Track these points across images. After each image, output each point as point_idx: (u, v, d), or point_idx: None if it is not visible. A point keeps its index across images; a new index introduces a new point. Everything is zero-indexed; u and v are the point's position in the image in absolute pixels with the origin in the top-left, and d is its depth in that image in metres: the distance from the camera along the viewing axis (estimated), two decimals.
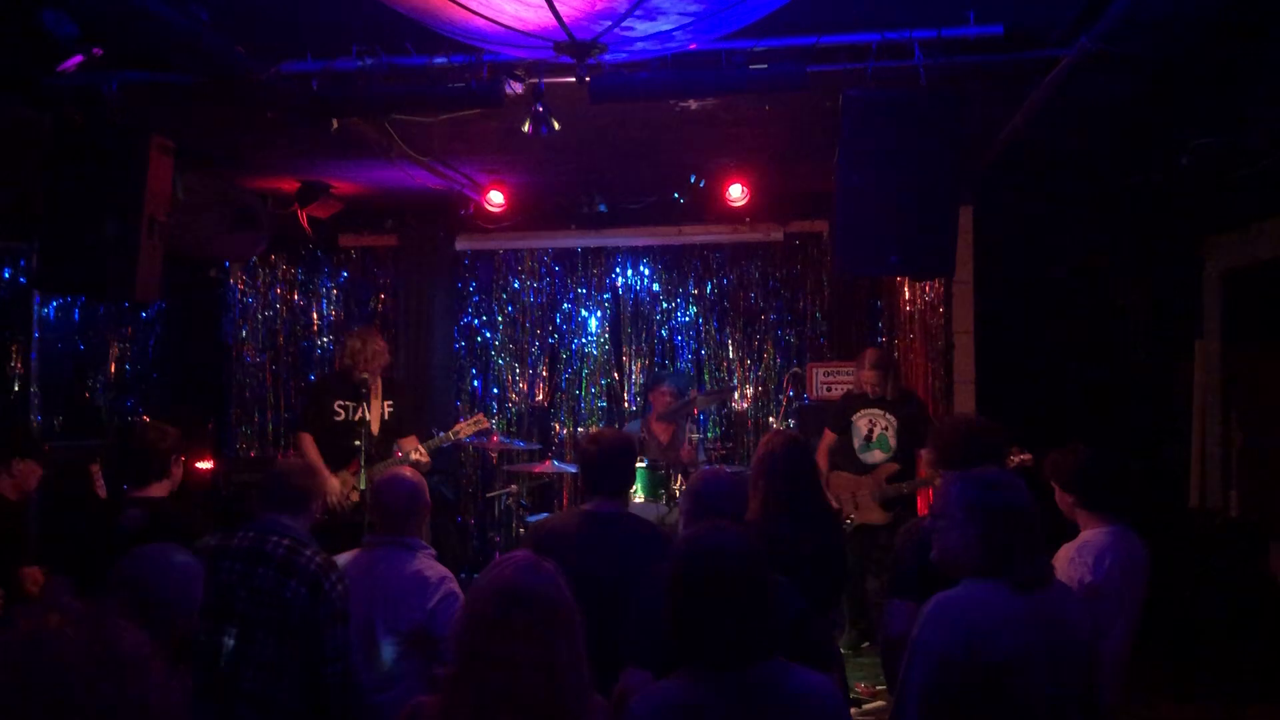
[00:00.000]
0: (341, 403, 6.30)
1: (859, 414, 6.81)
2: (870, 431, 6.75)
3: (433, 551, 3.87)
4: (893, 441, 6.67)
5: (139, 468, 4.28)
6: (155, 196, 4.72)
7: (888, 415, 6.72)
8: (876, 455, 6.71)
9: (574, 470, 7.05)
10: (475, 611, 2.33)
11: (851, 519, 6.63)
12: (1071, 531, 3.98)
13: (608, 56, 3.37)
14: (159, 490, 4.29)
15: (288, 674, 3.40)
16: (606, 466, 3.96)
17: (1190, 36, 4.47)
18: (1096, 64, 4.38)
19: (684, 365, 9.03)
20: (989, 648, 2.67)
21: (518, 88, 4.62)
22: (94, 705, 0.87)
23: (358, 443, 5.86)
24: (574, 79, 4.43)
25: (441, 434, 6.57)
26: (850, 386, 7.17)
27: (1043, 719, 2.70)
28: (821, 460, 6.83)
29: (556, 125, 4.51)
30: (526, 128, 4.54)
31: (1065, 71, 4.55)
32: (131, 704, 0.89)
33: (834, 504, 6.62)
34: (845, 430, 6.84)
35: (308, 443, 6.20)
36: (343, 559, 3.80)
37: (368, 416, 6.24)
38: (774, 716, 2.39)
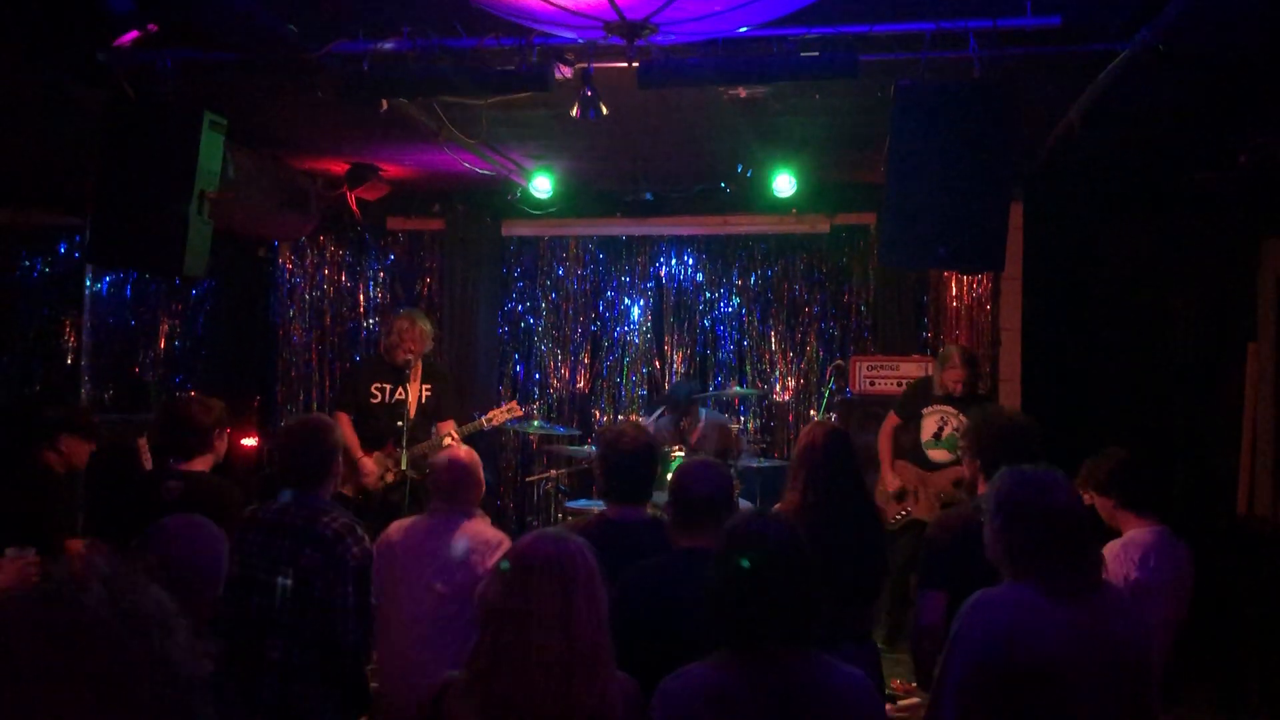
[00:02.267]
0: (378, 385, 6.34)
1: (930, 409, 6.59)
2: (940, 430, 6.54)
3: (488, 517, 4.15)
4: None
5: (182, 441, 4.35)
6: (206, 174, 4.77)
7: (960, 415, 6.45)
8: (943, 455, 6.49)
9: None
10: (497, 573, 2.42)
11: (908, 511, 6.53)
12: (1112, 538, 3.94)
13: (658, 38, 3.36)
14: (201, 464, 4.36)
15: (309, 641, 3.49)
16: (626, 473, 3.75)
17: (1254, 32, 4.38)
18: (1156, 59, 4.29)
19: (725, 356, 9.01)
20: (1027, 652, 2.61)
21: (567, 72, 4.62)
22: (118, 661, 0.87)
23: (400, 423, 5.91)
24: (623, 64, 4.44)
25: (477, 417, 6.62)
26: (931, 380, 6.96)
27: None
28: (884, 441, 6.70)
29: (604, 110, 4.50)
30: (575, 111, 4.54)
31: (1123, 66, 4.47)
32: (156, 661, 0.89)
33: (895, 486, 6.56)
34: (913, 421, 6.64)
35: (344, 423, 6.26)
36: (403, 524, 4.12)
37: (406, 398, 6.27)
38: (806, 706, 2.38)
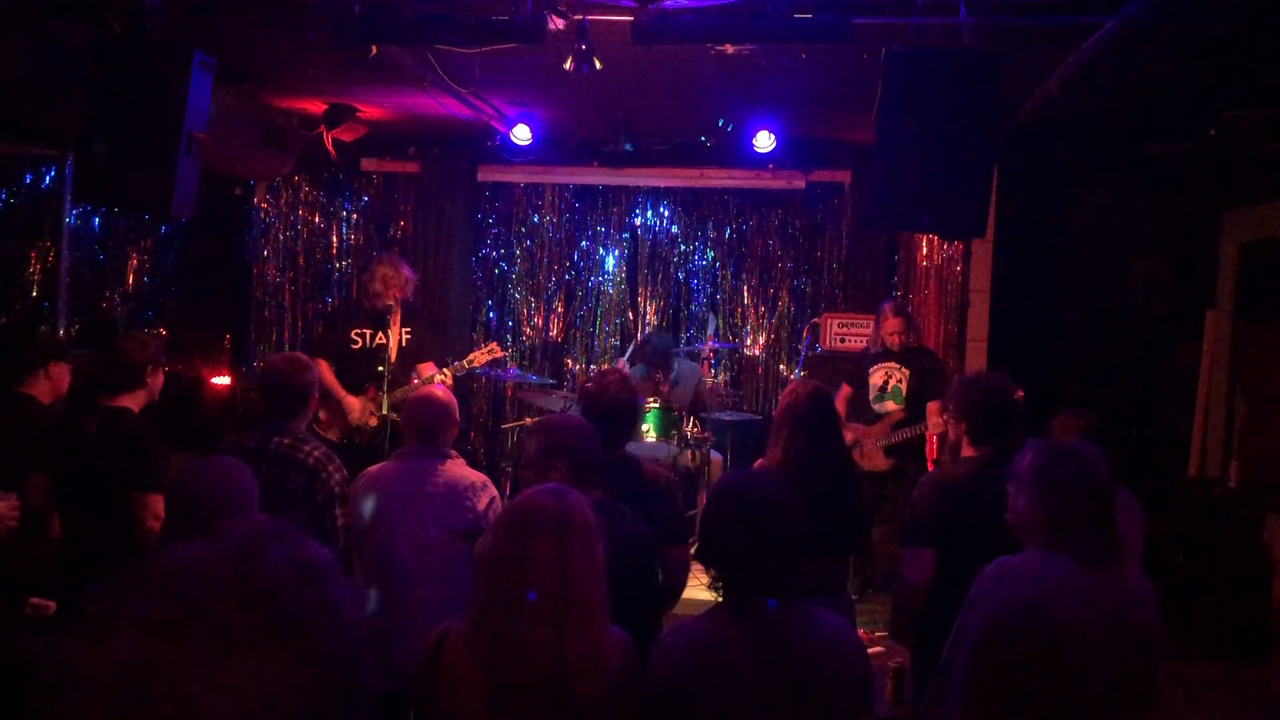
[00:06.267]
0: (358, 330, 6.34)
1: (875, 367, 6.80)
2: (885, 383, 6.75)
3: (462, 459, 4.09)
4: (905, 393, 6.68)
5: (110, 377, 4.26)
6: (195, 114, 4.74)
7: (902, 368, 6.71)
8: (889, 405, 6.72)
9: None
10: (497, 524, 2.51)
11: (858, 465, 6.69)
12: None
13: (669, 2, 3.39)
14: (130, 401, 4.21)
15: None
16: (607, 418, 3.84)
17: (1233, 8, 4.47)
18: (1139, 32, 4.39)
19: (698, 309, 9.09)
20: (1045, 616, 2.66)
21: (559, 23, 4.62)
22: (300, 609, 0.93)
23: (381, 368, 5.93)
24: (613, 17, 4.46)
25: (457, 362, 6.63)
26: (867, 343, 7.15)
27: (1095, 698, 2.69)
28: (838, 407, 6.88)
29: (599, 64, 4.52)
30: (568, 65, 4.56)
31: (1106, 37, 4.56)
32: (329, 606, 0.96)
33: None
34: (861, 385, 6.85)
35: (324, 370, 6.26)
36: (379, 468, 4.05)
37: (387, 343, 6.29)
38: (798, 652, 2.48)
